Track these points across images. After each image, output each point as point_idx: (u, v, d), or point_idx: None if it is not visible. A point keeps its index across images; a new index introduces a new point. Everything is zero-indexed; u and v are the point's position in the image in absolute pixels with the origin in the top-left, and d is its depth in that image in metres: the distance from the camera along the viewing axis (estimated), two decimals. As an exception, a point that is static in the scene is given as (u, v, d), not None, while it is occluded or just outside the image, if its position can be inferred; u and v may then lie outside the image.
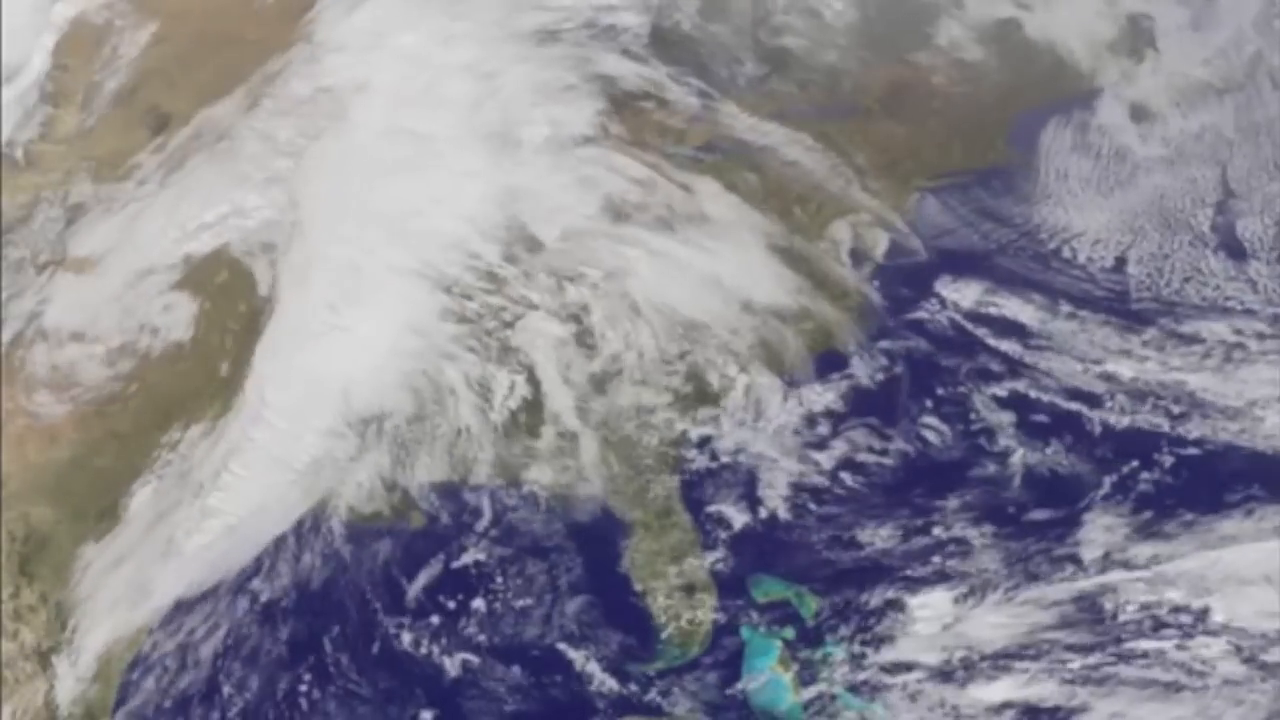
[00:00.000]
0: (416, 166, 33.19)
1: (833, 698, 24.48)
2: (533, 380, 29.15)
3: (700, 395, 28.79)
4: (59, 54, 38.29)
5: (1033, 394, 28.16)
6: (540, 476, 27.70)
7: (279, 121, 34.78)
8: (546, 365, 29.34)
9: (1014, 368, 28.66)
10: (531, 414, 28.73)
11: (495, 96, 34.28)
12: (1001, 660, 24.55)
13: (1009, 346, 29.11)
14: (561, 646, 25.33)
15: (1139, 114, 34.02)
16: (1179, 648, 24.16)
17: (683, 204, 32.07)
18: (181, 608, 26.36)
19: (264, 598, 26.44)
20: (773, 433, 28.01)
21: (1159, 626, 24.54)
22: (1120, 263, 30.65)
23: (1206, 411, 27.55)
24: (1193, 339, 28.85)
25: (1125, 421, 27.50)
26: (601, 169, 32.80)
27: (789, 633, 25.34)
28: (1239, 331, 28.81)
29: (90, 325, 31.28)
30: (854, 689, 24.48)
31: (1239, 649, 23.99)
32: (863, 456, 27.60)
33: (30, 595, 26.45)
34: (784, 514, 26.82)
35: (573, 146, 33.21)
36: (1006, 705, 23.97)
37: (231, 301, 31.50)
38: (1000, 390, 28.30)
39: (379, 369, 29.41)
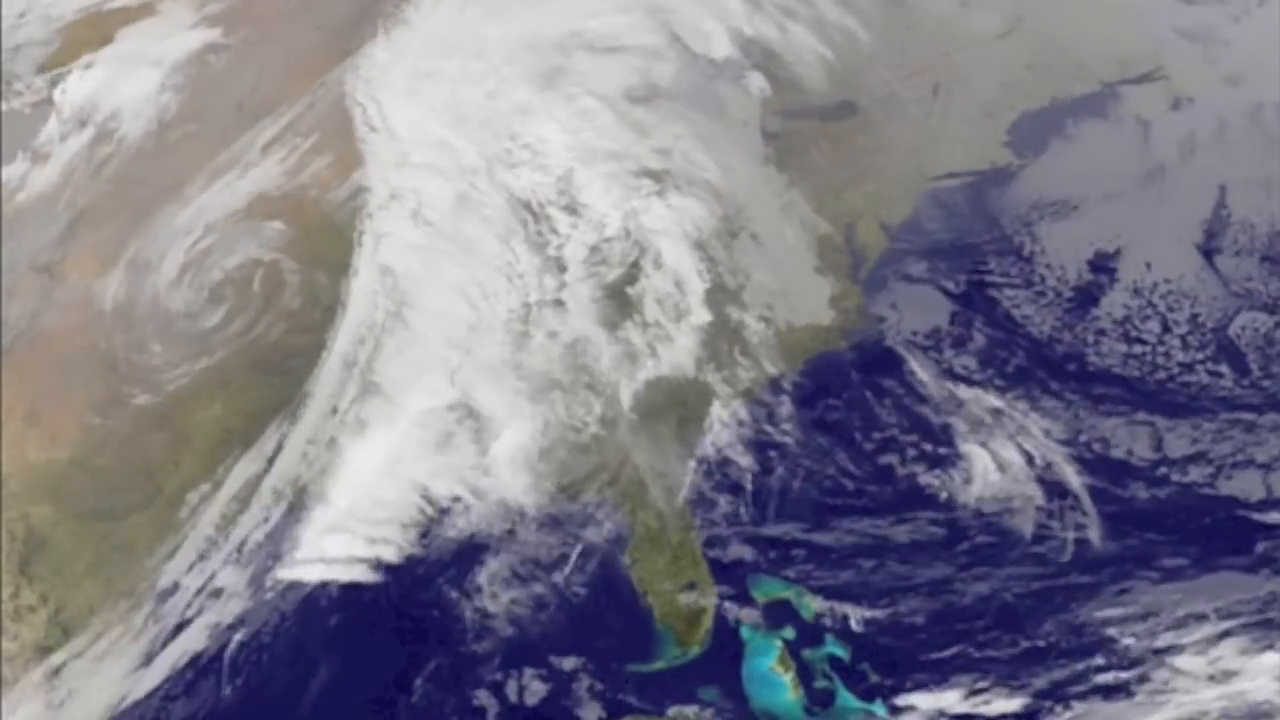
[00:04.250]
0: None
1: (833, 698, 24.50)
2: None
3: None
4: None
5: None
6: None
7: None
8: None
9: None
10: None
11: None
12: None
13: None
14: (561, 645, 25.36)
15: (1140, 119, 34.10)
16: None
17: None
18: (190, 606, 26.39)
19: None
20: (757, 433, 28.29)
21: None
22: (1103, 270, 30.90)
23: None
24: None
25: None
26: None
27: (789, 633, 25.35)
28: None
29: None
30: (854, 690, 24.51)
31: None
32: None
33: (30, 595, 26.43)
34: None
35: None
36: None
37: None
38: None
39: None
